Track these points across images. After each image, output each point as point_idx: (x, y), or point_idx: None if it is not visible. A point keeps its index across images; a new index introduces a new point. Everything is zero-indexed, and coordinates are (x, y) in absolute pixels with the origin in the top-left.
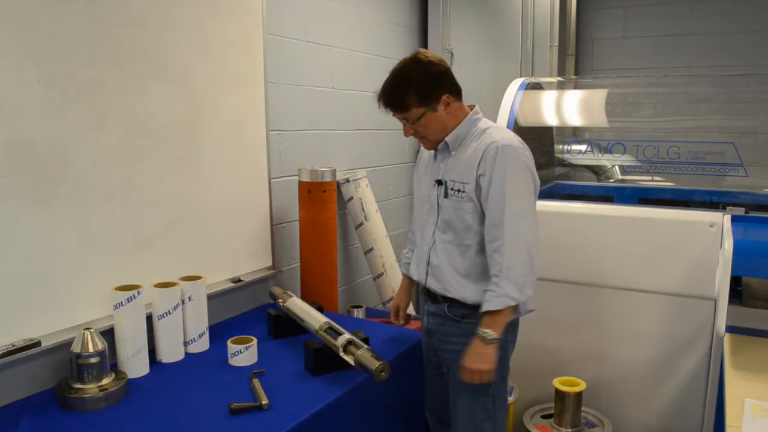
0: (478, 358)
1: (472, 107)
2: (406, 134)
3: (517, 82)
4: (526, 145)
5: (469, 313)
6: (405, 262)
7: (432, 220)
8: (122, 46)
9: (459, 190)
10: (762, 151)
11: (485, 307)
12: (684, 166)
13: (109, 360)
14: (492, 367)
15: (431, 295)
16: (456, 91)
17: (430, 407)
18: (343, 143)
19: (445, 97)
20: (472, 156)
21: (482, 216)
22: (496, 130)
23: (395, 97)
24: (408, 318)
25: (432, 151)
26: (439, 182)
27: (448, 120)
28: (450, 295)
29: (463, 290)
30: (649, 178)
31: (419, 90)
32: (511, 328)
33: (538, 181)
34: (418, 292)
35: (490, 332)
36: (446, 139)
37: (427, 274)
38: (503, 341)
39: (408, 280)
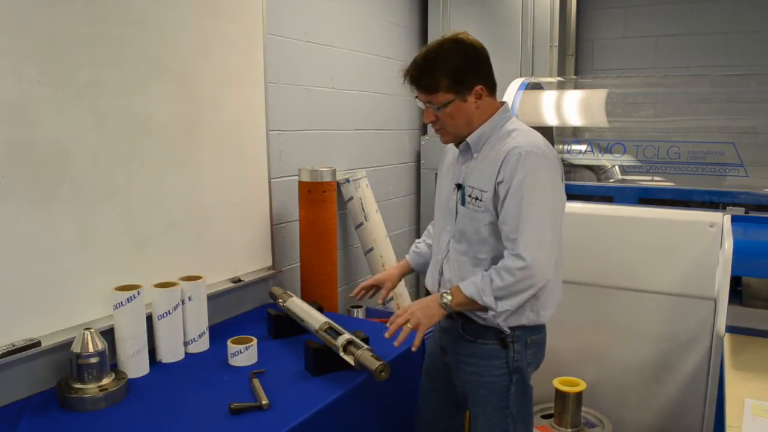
0: (422, 311)
1: (502, 104)
2: (426, 120)
3: (517, 82)
4: (552, 149)
5: (483, 333)
6: (413, 250)
7: (449, 227)
8: (122, 46)
9: (476, 198)
10: (762, 151)
11: (460, 284)
12: (684, 166)
13: (109, 360)
14: (425, 326)
15: None
16: (491, 85)
17: (420, 422)
18: (343, 143)
19: (478, 87)
20: (493, 161)
21: (497, 228)
22: (523, 132)
23: (424, 75)
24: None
25: (456, 151)
26: (459, 186)
27: (475, 115)
28: (462, 310)
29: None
30: (649, 178)
31: (453, 73)
32: (533, 348)
33: (563, 193)
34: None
35: (449, 300)
36: (468, 139)
37: (439, 285)
38: (522, 362)
39: (408, 267)
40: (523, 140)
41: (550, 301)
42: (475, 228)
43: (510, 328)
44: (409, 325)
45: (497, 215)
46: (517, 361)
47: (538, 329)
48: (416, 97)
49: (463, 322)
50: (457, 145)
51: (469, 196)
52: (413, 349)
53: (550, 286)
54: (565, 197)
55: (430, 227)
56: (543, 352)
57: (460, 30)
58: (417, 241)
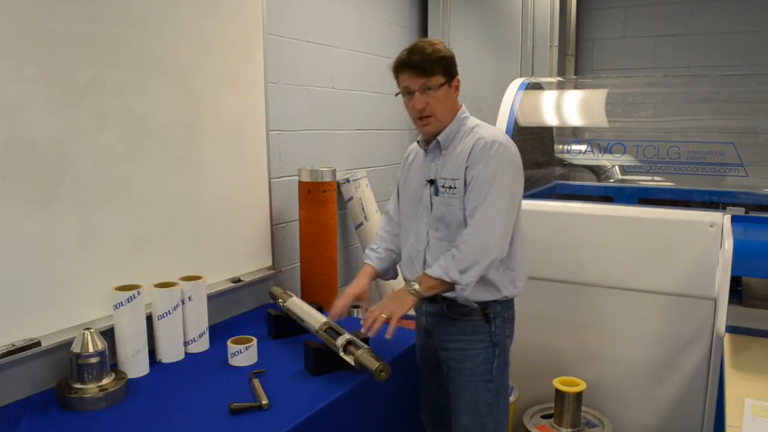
0: (394, 301)
1: (460, 105)
2: (418, 105)
3: (517, 82)
4: (512, 142)
5: (468, 311)
6: (377, 257)
7: (425, 219)
8: (122, 46)
9: (450, 187)
10: (762, 151)
11: (426, 270)
12: (684, 166)
13: (109, 360)
14: (398, 314)
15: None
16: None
17: (425, 408)
18: (343, 143)
19: (456, 79)
20: (461, 153)
21: None
22: (484, 127)
23: (424, 59)
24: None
25: (422, 152)
26: (431, 182)
27: (454, 104)
28: (448, 295)
29: None
30: (649, 178)
31: (444, 61)
32: (509, 323)
33: (522, 179)
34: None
35: (417, 287)
36: (438, 137)
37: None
38: (501, 336)
39: (375, 273)
40: (486, 133)
41: (522, 274)
42: (452, 213)
43: (489, 302)
44: (383, 315)
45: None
46: (498, 335)
47: (511, 305)
48: (397, 94)
49: (447, 304)
50: (425, 146)
51: (443, 186)
52: (387, 336)
53: (520, 259)
54: (522, 181)
55: (382, 233)
56: (514, 328)
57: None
58: (373, 247)
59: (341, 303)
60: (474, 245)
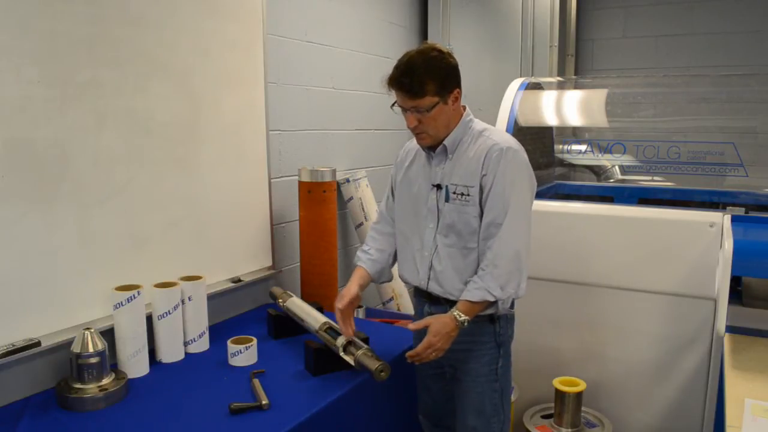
0: (446, 338)
1: (463, 108)
2: (409, 125)
3: (517, 82)
4: (522, 146)
5: None
6: (370, 258)
7: (432, 224)
8: (122, 46)
9: (463, 194)
10: (762, 151)
11: (465, 296)
12: (684, 166)
13: (109, 360)
14: (445, 349)
15: (432, 298)
16: (461, 90)
17: (424, 411)
18: (343, 143)
19: (456, 91)
20: (474, 159)
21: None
22: (494, 132)
23: (414, 80)
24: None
25: (424, 154)
26: (438, 186)
27: (452, 117)
28: (453, 298)
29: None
30: (649, 178)
31: (439, 78)
32: (511, 323)
33: (536, 183)
34: (415, 294)
35: (465, 318)
36: (445, 142)
37: (429, 278)
38: (505, 336)
39: (367, 277)
40: (499, 138)
41: (525, 276)
42: (465, 221)
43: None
44: (433, 355)
45: (482, 207)
46: (502, 336)
47: (512, 305)
48: (393, 105)
49: (451, 305)
50: (432, 149)
51: (454, 192)
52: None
53: (527, 261)
54: (536, 185)
55: (373, 233)
56: (514, 329)
57: (434, 42)
58: (365, 248)
59: (342, 312)
60: (509, 256)
